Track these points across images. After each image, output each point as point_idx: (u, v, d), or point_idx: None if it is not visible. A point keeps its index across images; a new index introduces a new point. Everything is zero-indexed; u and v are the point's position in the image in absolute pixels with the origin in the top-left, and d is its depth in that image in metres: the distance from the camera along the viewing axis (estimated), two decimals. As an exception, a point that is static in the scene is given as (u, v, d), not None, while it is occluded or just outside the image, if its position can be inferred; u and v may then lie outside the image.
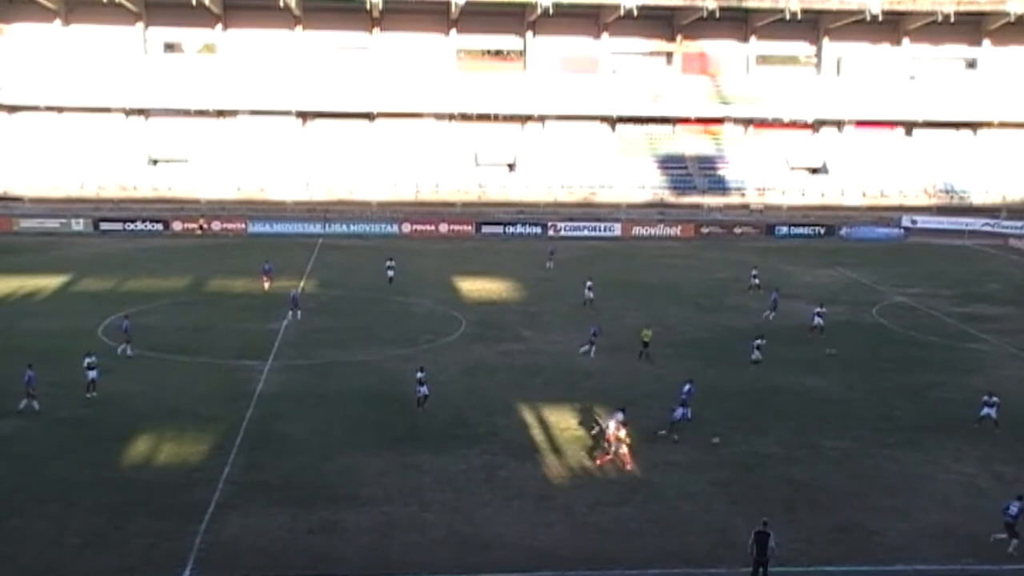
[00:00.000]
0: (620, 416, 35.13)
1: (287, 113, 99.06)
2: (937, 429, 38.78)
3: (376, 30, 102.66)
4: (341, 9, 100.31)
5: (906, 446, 37.02)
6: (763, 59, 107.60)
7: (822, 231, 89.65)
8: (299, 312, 53.97)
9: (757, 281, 63.76)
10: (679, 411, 37.52)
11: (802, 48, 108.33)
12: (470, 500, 31.57)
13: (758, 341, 47.06)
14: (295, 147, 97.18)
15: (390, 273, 63.87)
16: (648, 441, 36.77)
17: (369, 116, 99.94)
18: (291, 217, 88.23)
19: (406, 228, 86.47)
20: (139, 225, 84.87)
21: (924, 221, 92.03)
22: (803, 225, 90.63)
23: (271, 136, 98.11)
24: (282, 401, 40.62)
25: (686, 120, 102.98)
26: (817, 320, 52.91)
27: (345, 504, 30.94)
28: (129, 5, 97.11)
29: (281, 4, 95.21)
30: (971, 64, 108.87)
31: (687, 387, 39.23)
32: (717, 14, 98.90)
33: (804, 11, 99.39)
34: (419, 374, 40.16)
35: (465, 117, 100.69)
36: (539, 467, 34.42)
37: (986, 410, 38.55)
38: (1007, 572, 27.67)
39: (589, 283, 59.34)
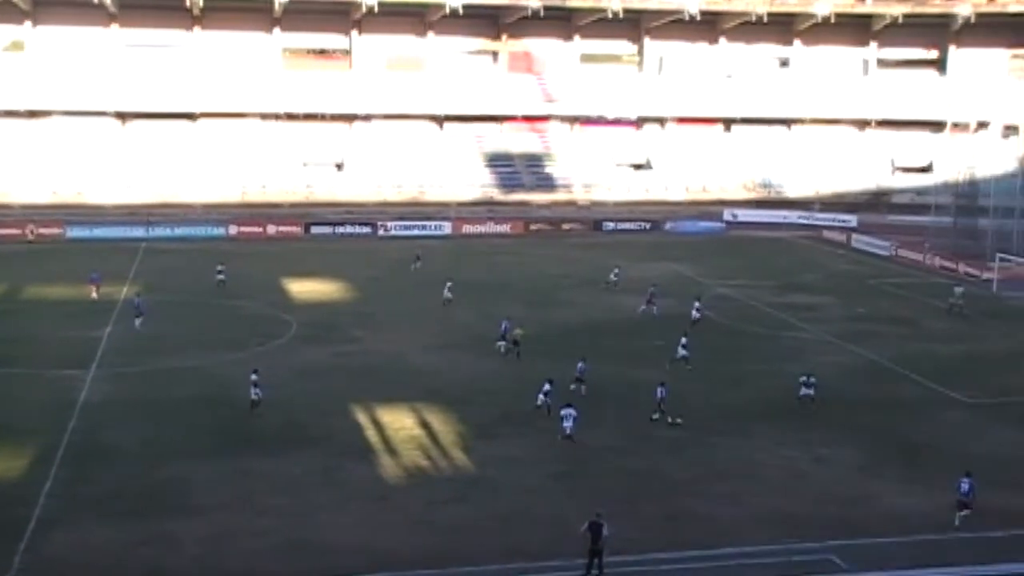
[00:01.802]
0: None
1: (104, 113, 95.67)
2: (762, 416, 40.13)
3: (197, 28, 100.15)
4: (159, 6, 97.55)
5: (734, 433, 38.20)
6: (587, 57, 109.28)
7: (648, 226, 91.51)
8: (141, 319, 52.09)
9: (616, 279, 64.54)
10: (659, 390, 39.42)
11: (624, 47, 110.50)
12: (307, 504, 31.15)
13: (684, 340, 46.90)
14: (114, 148, 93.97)
15: (220, 277, 62.45)
16: (482, 438, 36.98)
17: (191, 116, 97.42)
18: (112, 221, 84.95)
19: (233, 230, 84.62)
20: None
21: (744, 214, 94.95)
22: (629, 220, 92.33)
23: (88, 137, 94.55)
24: (108, 410, 39.27)
25: (513, 118, 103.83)
26: (695, 314, 54.27)
27: (177, 514, 30.10)
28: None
29: (95, 0, 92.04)
30: (784, 63, 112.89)
31: (580, 365, 42.12)
32: (541, 13, 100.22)
33: (625, 10, 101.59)
34: (253, 376, 39.48)
35: (291, 116, 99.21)
36: (375, 468, 34.24)
37: (804, 391, 40.78)
38: (828, 548, 28.79)
39: (449, 284, 59.21)
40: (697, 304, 55.13)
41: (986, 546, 29.32)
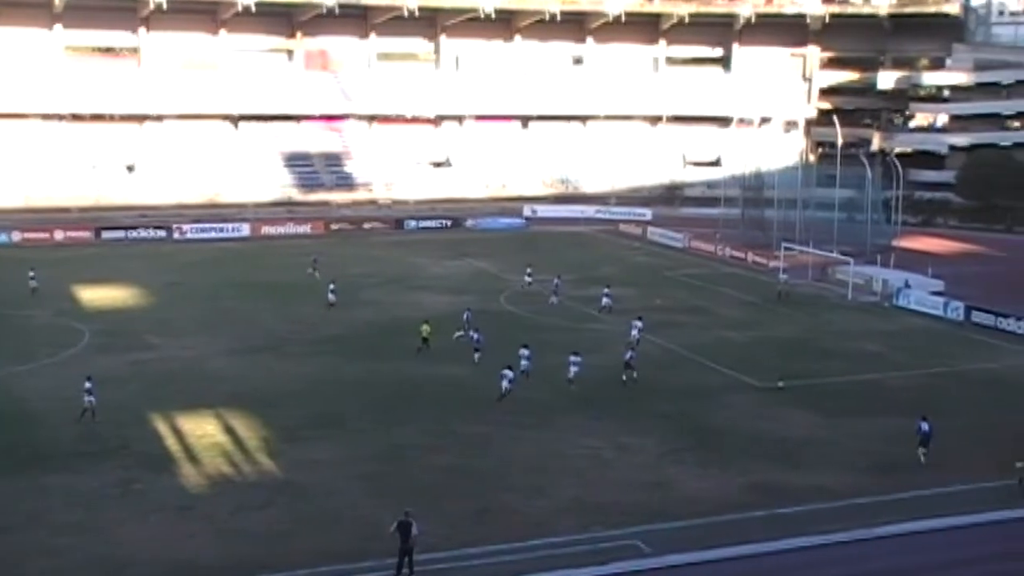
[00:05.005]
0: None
1: None
2: (567, 408, 40.91)
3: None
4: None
5: (540, 426, 38.80)
6: (384, 56, 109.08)
7: (449, 223, 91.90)
8: None
9: (530, 279, 64.61)
10: (628, 354, 44.37)
11: (421, 45, 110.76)
12: (105, 518, 30.08)
13: (639, 323, 50.25)
14: None
15: (33, 284, 59.74)
16: (287, 441, 36.50)
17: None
18: None
19: (16, 236, 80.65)
20: None
21: (543, 210, 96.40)
22: (430, 218, 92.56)
23: None
24: None
25: (310, 117, 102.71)
26: (605, 301, 57.11)
27: (-37, 537, 28.62)
28: None
29: None
30: (578, 60, 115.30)
31: (475, 336, 47.23)
32: (336, 11, 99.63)
33: (421, 8, 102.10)
34: (87, 384, 38.00)
35: (76, 117, 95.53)
36: (176, 477, 33.37)
37: (573, 369, 43.04)
38: (633, 534, 29.62)
39: (332, 286, 58.15)
40: (607, 291, 58.18)
41: (778, 522, 30.71)
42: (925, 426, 35.77)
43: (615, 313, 57.63)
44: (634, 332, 49.71)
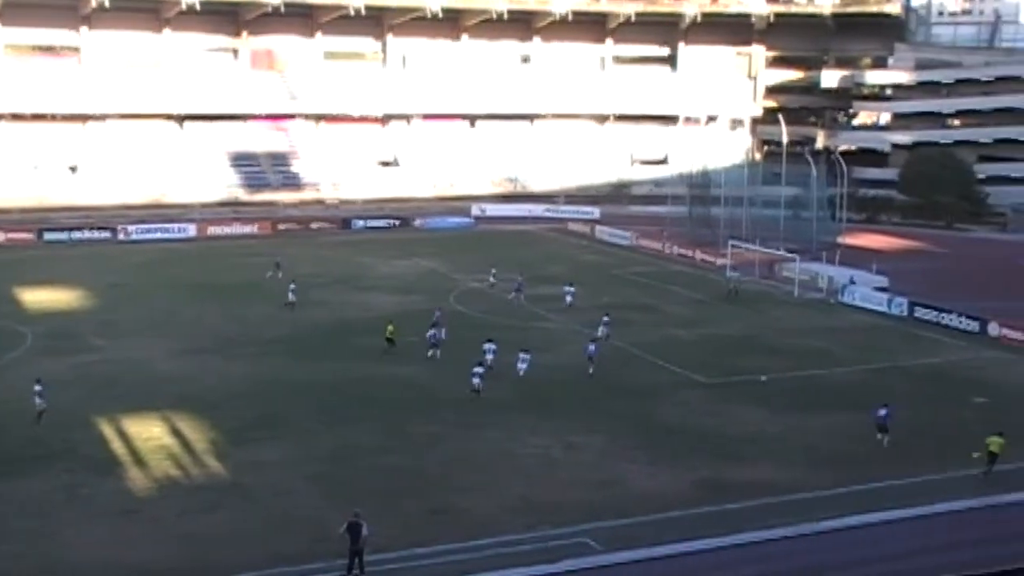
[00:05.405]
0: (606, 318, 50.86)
1: None
2: (516, 407, 40.93)
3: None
4: None
5: (489, 425, 38.79)
6: (330, 55, 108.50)
7: (397, 223, 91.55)
8: None
9: (494, 280, 64.45)
10: (590, 347, 45.69)
11: (368, 44, 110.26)
12: (50, 523, 29.71)
13: (606, 318, 51.74)
14: None
15: None
16: (235, 443, 36.23)
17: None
18: None
19: (-44, 239, 79.46)
20: None
21: (492, 209, 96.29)
22: (378, 217, 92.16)
23: None
24: None
25: (256, 116, 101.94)
26: (569, 299, 58.62)
27: (-97, 545, 28.13)
28: None
29: None
30: (525, 59, 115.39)
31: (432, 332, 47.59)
32: (282, 10, 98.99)
33: (368, 7, 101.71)
34: (37, 387, 37.60)
35: (17, 117, 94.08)
36: (123, 481, 33.03)
37: (522, 366, 43.95)
38: (583, 532, 29.73)
39: (292, 286, 57.80)
40: (570, 289, 59.31)
41: (727, 518, 30.98)
42: (882, 411, 37.01)
43: (562, 312, 57.78)
44: (601, 328, 50.65)
